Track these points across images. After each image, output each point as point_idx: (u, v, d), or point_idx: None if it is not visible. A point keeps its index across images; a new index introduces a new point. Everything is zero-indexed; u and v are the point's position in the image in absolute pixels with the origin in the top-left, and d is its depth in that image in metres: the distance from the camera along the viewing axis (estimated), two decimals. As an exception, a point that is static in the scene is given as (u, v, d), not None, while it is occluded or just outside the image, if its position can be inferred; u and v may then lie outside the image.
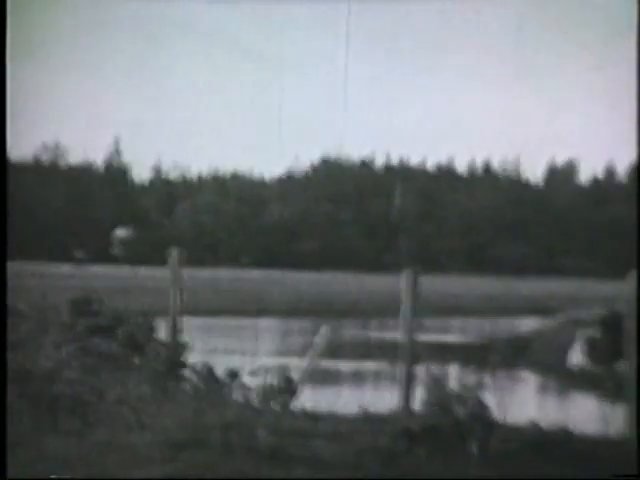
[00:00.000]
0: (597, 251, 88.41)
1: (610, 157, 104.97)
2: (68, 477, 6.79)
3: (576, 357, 13.87)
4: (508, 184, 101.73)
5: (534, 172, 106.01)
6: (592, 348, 13.59)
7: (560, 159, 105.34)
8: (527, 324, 36.71)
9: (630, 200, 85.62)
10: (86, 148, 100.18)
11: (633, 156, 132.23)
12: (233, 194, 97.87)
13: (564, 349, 16.22)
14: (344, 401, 13.18)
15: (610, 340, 13.07)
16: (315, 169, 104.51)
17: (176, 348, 12.03)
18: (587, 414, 15.27)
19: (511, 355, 24.47)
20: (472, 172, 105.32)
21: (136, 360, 12.25)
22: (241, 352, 23.23)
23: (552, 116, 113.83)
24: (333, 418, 9.51)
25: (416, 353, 12.13)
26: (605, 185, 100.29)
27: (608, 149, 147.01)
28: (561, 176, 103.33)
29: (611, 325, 13.05)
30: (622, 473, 7.32)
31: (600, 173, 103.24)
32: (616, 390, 12.69)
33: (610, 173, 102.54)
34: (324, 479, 7.01)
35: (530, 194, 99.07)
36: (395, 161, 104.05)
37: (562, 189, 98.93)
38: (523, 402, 17.88)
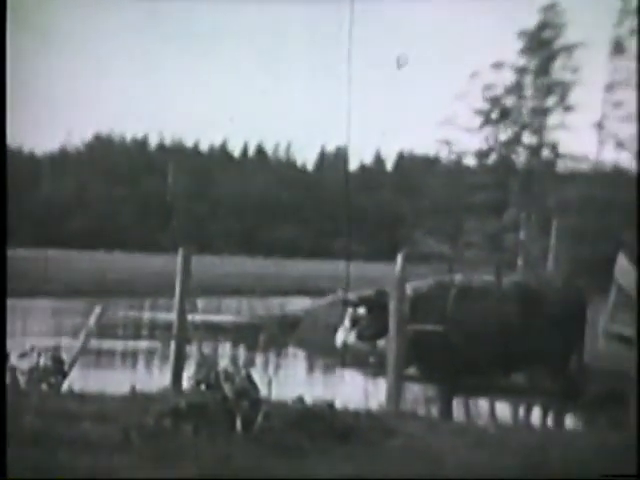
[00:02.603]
0: (365, 235, 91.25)
1: (378, 146, 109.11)
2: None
3: (343, 335, 14.32)
4: (280, 168, 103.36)
5: (306, 157, 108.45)
6: (357, 326, 14.09)
7: (330, 145, 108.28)
8: (298, 304, 37.55)
9: (397, 187, 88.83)
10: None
11: (399, 145, 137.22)
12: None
13: (332, 328, 16.68)
14: (115, 381, 13.11)
15: (375, 319, 13.61)
16: (88, 146, 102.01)
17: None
18: (352, 389, 15.90)
19: (281, 334, 24.97)
20: (245, 155, 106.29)
21: None
22: (10, 334, 22.46)
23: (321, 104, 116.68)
24: (101, 398, 9.43)
25: (188, 332, 12.22)
26: (373, 172, 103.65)
27: (376, 138, 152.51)
28: (331, 162, 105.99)
29: (376, 305, 13.59)
30: (380, 441, 7.73)
31: (368, 160, 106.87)
32: (378, 366, 13.27)
33: (378, 161, 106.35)
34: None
35: (301, 178, 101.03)
36: (168, 141, 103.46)
37: (332, 174, 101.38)
38: (292, 379, 18.36)
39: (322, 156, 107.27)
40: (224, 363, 8.70)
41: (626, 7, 32.30)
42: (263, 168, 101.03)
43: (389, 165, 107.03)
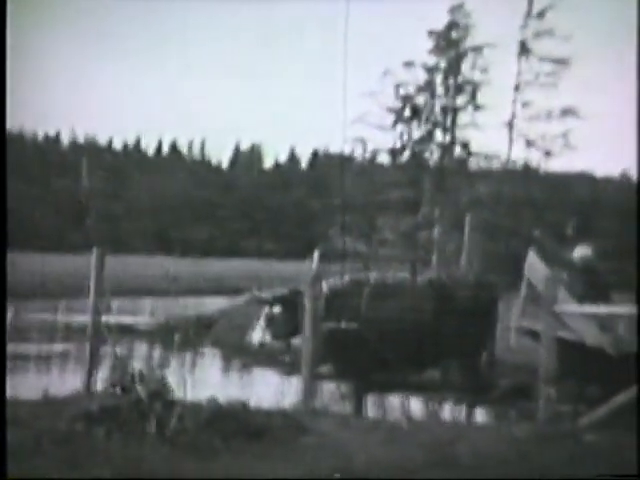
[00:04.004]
0: (280, 233, 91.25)
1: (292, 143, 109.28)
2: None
3: (258, 334, 14.36)
4: (195, 166, 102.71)
5: (220, 155, 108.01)
6: (272, 325, 14.15)
7: (245, 143, 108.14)
8: (213, 303, 37.40)
9: (310, 185, 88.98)
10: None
11: (318, 142, 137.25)
12: None
13: (247, 327, 16.71)
14: (29, 385, 12.91)
15: (290, 317, 13.67)
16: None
17: None
18: (266, 388, 15.92)
19: (196, 334, 24.84)
20: (160, 153, 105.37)
21: None
22: None
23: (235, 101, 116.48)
24: (14, 403, 9.30)
25: (102, 334, 12.10)
26: (287, 170, 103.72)
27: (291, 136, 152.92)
28: (246, 160, 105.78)
29: (291, 303, 13.66)
30: (293, 439, 7.81)
31: (283, 159, 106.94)
32: (293, 365, 13.33)
33: (293, 158, 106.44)
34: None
35: (216, 177, 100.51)
36: (81, 138, 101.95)
37: (246, 173, 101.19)
38: (207, 380, 18.29)
39: (236, 154, 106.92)
40: (138, 365, 8.67)
41: (531, 10, 33.13)
42: (177, 166, 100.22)
43: (304, 163, 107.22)
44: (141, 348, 17.01)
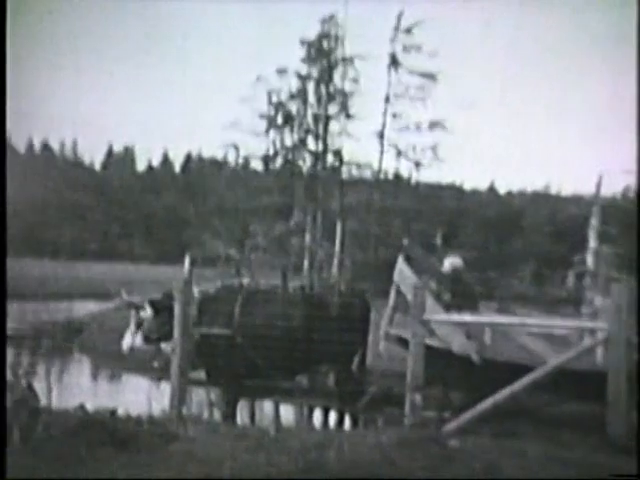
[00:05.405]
0: (151, 237, 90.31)
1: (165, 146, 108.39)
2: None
3: (128, 339, 14.20)
4: (66, 167, 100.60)
5: (92, 155, 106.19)
6: (143, 329, 14.01)
7: (117, 146, 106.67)
8: (83, 308, 36.76)
9: (183, 189, 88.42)
10: None
11: (191, 146, 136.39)
12: None
13: (118, 332, 16.46)
14: None
15: (160, 322, 13.59)
16: None
17: None
18: (136, 395, 15.75)
19: (65, 339, 24.38)
20: (32, 152, 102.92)
21: None
22: None
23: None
24: None
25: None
26: (160, 174, 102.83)
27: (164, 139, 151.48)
28: (118, 162, 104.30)
29: (163, 307, 13.58)
30: (161, 447, 7.76)
31: (156, 161, 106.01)
32: (163, 370, 13.22)
33: (166, 162, 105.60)
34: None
35: (88, 178, 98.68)
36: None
37: (119, 175, 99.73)
38: (75, 386, 17.97)
39: (109, 156, 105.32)
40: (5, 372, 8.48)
41: (399, 25, 33.82)
42: (49, 166, 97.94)
43: (177, 167, 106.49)
44: (7, 355, 16.57)
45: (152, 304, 14.01)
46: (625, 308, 10.54)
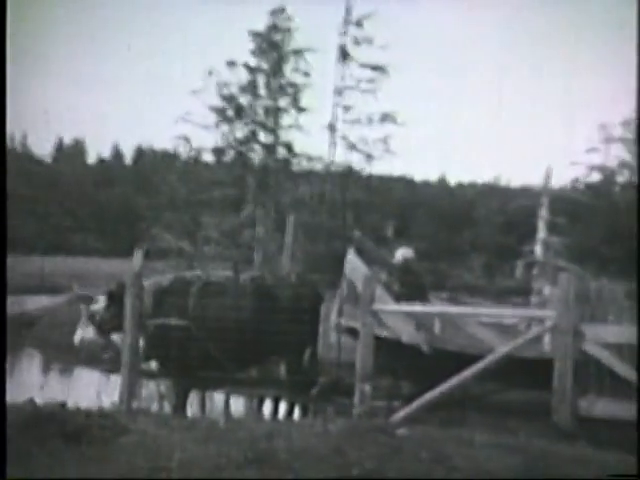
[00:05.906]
0: (103, 230, 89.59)
1: (116, 139, 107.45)
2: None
3: (80, 332, 14.19)
4: (16, 160, 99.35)
5: (43, 148, 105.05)
6: (95, 321, 14.03)
7: (68, 138, 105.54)
8: (35, 301, 36.43)
9: (135, 182, 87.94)
10: None
11: (142, 138, 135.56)
12: None
13: (70, 325, 16.43)
14: None
15: (113, 313, 13.62)
16: None
17: None
18: (87, 388, 15.74)
19: (16, 334, 24.21)
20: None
21: None
22: None
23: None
24: None
25: None
26: (111, 166, 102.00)
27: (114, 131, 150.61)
28: (69, 154, 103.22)
29: (115, 298, 13.61)
30: (111, 440, 7.80)
31: (107, 154, 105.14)
32: (114, 362, 13.23)
33: (117, 154, 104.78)
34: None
35: (38, 171, 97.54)
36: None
37: (70, 168, 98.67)
38: (26, 381, 17.88)
39: (60, 148, 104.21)
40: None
41: (348, 18, 33.79)
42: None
43: (128, 159, 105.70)
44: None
45: (104, 295, 14.05)
46: (572, 297, 10.80)
